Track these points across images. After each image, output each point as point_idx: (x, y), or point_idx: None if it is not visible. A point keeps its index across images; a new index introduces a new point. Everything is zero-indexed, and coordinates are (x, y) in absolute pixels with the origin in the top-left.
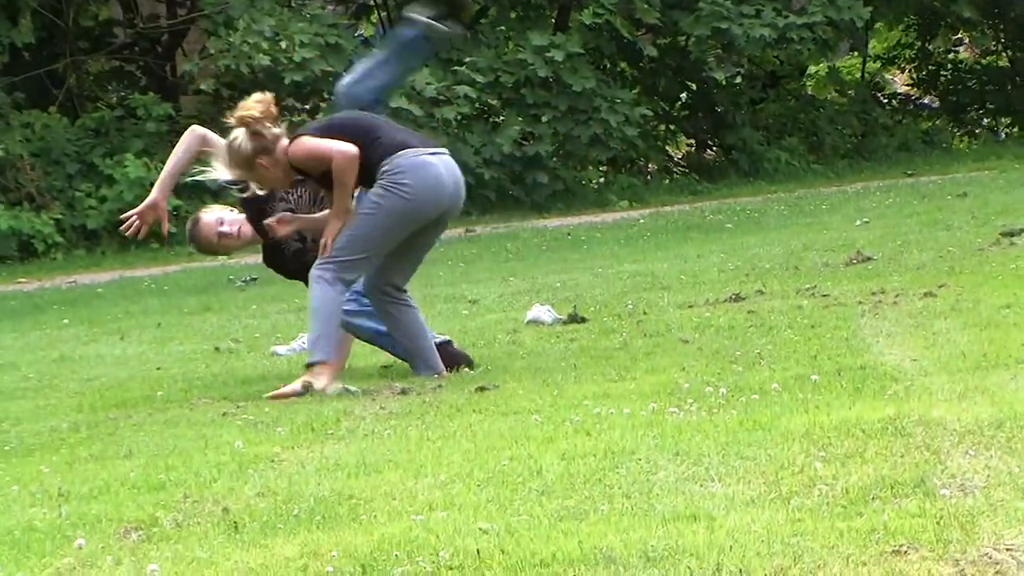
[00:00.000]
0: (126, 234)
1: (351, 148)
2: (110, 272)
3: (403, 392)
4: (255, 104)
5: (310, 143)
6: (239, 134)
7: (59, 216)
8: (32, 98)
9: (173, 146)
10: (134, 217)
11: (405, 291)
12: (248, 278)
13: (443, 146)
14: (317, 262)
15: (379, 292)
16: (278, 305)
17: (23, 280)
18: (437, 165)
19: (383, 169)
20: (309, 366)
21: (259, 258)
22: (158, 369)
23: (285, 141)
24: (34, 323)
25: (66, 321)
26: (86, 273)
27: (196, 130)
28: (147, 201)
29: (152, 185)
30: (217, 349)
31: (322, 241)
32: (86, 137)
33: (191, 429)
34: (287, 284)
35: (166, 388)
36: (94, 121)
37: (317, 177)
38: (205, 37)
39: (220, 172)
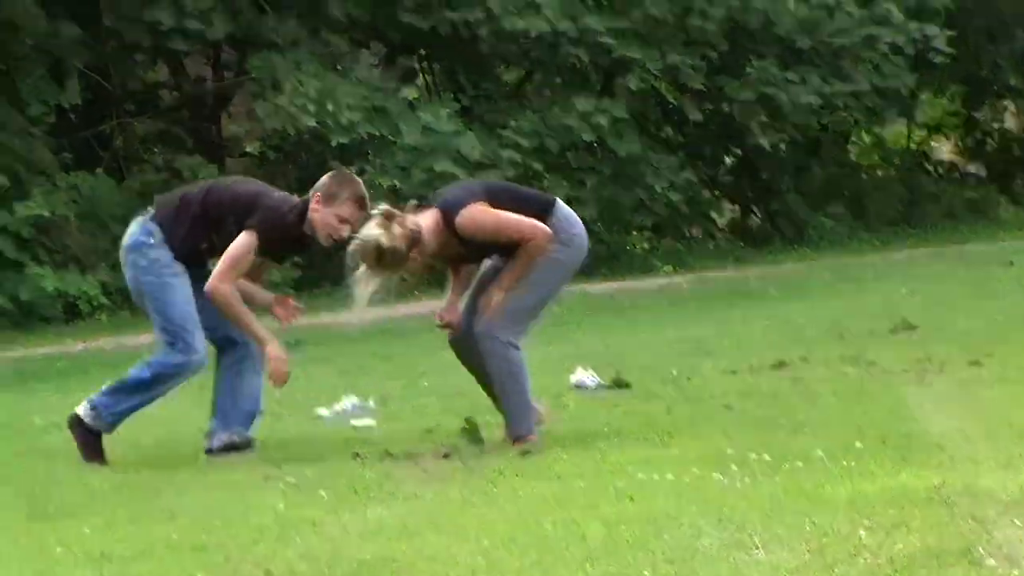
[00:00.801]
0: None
1: (545, 226)
2: (150, 334)
3: (446, 456)
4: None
5: (495, 217)
6: (388, 235)
7: (105, 278)
8: (79, 159)
9: None
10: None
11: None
12: (292, 341)
13: None
14: (494, 325)
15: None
16: (322, 368)
17: (68, 341)
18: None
19: (551, 224)
20: (516, 440)
21: (304, 320)
22: (201, 430)
23: (419, 220)
24: (79, 384)
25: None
26: (131, 335)
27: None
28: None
29: None
30: (260, 412)
31: (492, 305)
32: (132, 199)
33: (233, 492)
34: (332, 347)
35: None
36: (140, 183)
37: (474, 246)
38: (251, 99)
39: (368, 284)
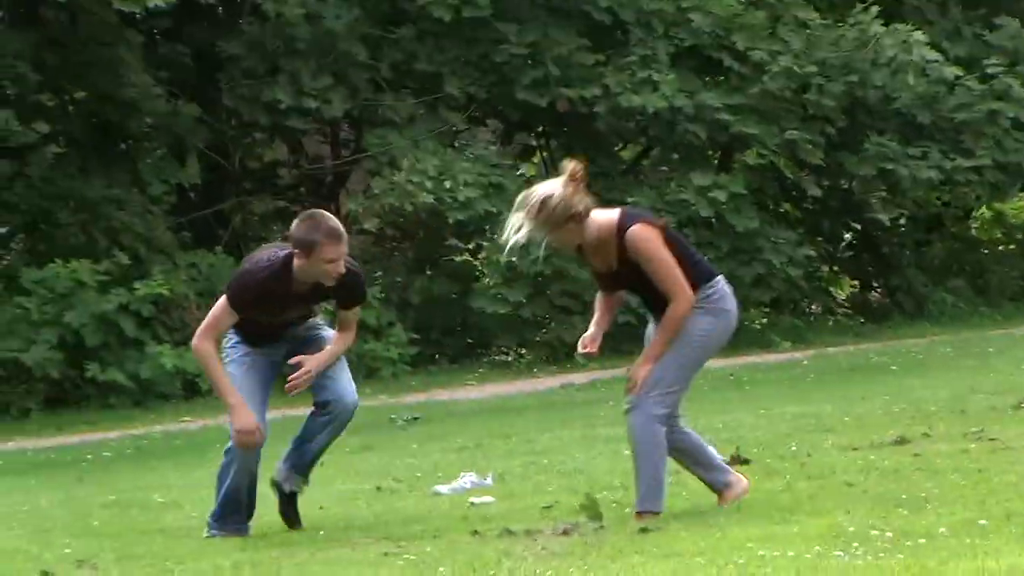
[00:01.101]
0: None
1: (690, 294)
2: (273, 411)
3: (565, 532)
4: (575, 171)
5: (660, 252)
6: (560, 194)
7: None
8: (198, 238)
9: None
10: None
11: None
12: (409, 417)
13: None
14: (642, 397)
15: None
16: (440, 444)
17: (187, 419)
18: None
19: (707, 294)
20: (639, 514)
21: (421, 397)
22: (320, 508)
23: (592, 211)
24: (198, 462)
25: None
26: None
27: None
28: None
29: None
30: (378, 488)
31: (638, 376)
32: None
33: (352, 569)
34: (449, 423)
35: (328, 527)
36: None
37: (624, 270)
38: (369, 177)
39: (519, 230)
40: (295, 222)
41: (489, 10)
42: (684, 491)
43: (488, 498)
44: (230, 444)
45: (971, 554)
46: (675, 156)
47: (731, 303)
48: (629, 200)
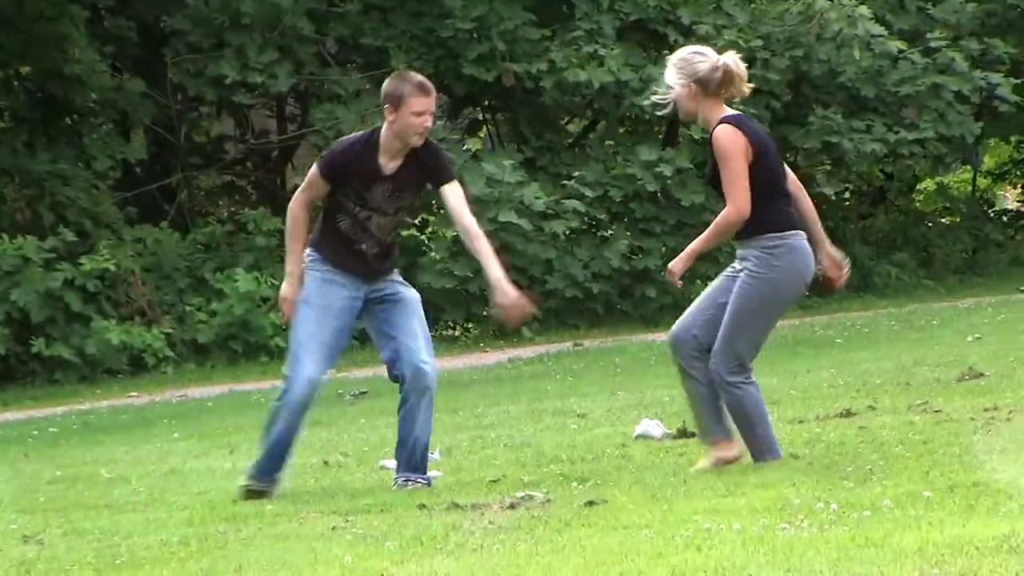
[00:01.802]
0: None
1: (746, 209)
2: (220, 386)
3: (512, 506)
4: (735, 65)
5: (734, 158)
6: (708, 56)
7: (169, 330)
8: (144, 213)
9: (283, 260)
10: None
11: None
12: (358, 391)
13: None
14: (720, 365)
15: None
16: (387, 419)
17: (134, 394)
18: (810, 253)
19: (775, 245)
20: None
21: (369, 372)
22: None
23: (720, 109)
24: (144, 437)
25: (176, 435)
26: (196, 387)
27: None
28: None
29: (263, 299)
30: (326, 463)
31: (675, 269)
32: (197, 252)
33: (300, 543)
34: (396, 398)
35: (275, 502)
36: (205, 236)
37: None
38: (316, 151)
39: (670, 78)
40: (385, 82)
41: None
42: (630, 464)
43: (436, 472)
44: (284, 389)
45: (915, 526)
46: (621, 130)
47: (803, 262)
48: (575, 175)
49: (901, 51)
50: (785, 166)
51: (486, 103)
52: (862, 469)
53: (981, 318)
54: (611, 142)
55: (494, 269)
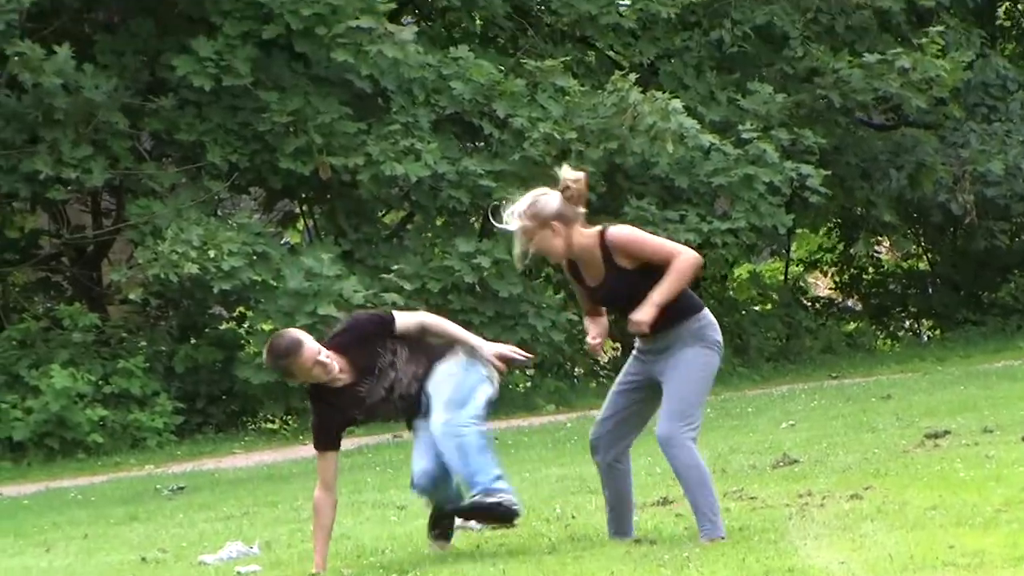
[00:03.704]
0: None
1: (693, 252)
2: (36, 484)
3: None
4: (577, 179)
5: (649, 236)
6: (550, 194)
7: None
8: None
9: (100, 356)
10: None
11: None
12: (175, 487)
13: None
14: (675, 424)
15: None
16: (206, 513)
17: None
18: None
19: (701, 325)
20: (711, 540)
21: (188, 466)
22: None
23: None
24: None
25: None
26: (12, 485)
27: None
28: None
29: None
30: (143, 559)
31: (643, 318)
32: (11, 349)
33: None
34: (215, 491)
35: None
36: (19, 332)
37: (624, 267)
38: (132, 247)
39: (510, 222)
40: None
41: (250, 79)
42: (450, 556)
43: (255, 567)
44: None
45: None
46: (439, 222)
47: (719, 334)
48: (394, 268)
49: (712, 144)
50: None
51: (303, 196)
52: (679, 557)
53: (795, 405)
54: (429, 234)
55: (466, 336)
